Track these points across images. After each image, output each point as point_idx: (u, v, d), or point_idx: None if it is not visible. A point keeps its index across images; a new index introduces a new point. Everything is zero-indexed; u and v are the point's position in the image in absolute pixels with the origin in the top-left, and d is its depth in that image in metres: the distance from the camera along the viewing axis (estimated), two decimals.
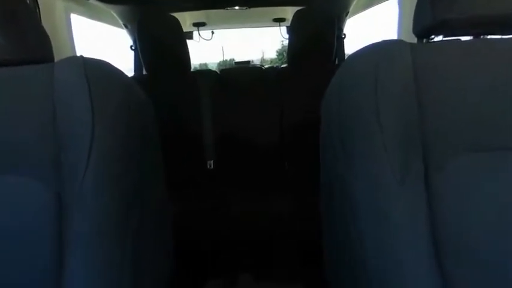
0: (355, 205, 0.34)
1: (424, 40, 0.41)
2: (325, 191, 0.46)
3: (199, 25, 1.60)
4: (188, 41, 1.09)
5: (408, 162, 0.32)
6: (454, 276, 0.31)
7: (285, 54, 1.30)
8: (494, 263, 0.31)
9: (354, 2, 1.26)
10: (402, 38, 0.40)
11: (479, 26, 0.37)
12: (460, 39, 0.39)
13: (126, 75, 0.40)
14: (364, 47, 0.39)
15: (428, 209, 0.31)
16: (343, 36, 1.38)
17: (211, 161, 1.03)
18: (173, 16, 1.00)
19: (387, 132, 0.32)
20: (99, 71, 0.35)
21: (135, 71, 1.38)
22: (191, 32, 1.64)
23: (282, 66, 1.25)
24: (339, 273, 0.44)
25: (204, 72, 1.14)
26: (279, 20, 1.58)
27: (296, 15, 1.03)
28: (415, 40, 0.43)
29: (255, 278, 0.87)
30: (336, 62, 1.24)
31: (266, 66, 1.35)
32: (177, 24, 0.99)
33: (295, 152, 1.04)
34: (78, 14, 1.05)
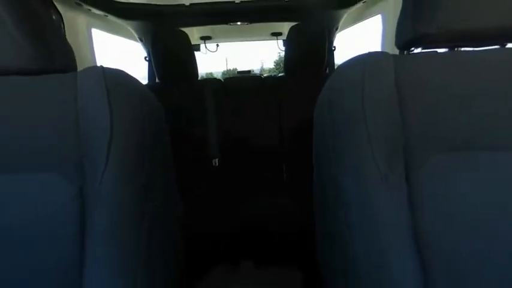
0: (346, 202, 0.34)
1: (405, 52, 0.41)
2: (318, 190, 0.46)
3: (205, 38, 1.60)
4: (196, 53, 1.09)
5: (392, 162, 0.32)
6: (432, 262, 0.31)
7: (281, 65, 1.30)
8: (466, 255, 0.31)
9: (343, 18, 1.25)
10: (386, 50, 0.40)
11: (454, 40, 0.36)
12: (436, 51, 0.39)
13: (141, 83, 0.40)
14: (352, 58, 0.38)
15: (409, 204, 0.31)
16: (333, 48, 1.38)
17: (216, 160, 1.03)
18: (182, 31, 1.00)
19: (373, 135, 0.32)
20: (117, 80, 0.35)
21: (148, 79, 1.38)
22: (198, 45, 1.64)
23: (279, 75, 1.25)
24: (331, 264, 0.43)
25: (210, 81, 1.14)
26: (276, 34, 1.58)
27: (291, 30, 1.03)
28: (397, 52, 0.42)
29: (256, 265, 0.87)
30: (327, 71, 1.24)
31: (265, 75, 1.34)
32: (186, 38, 0.99)
33: (292, 153, 1.03)
34: (98, 29, 1.05)
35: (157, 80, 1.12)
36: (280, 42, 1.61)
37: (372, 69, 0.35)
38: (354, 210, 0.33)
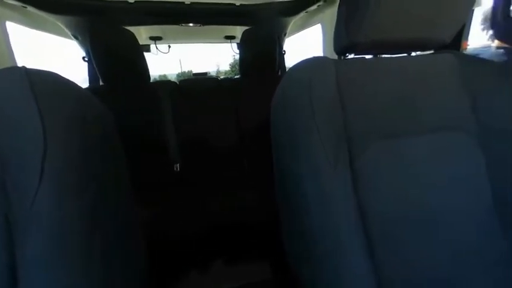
0: (302, 190, 0.36)
1: (342, 57, 0.46)
2: (279, 183, 0.47)
3: (155, 39, 1.48)
4: (146, 54, 0.99)
5: (338, 152, 0.35)
6: (375, 236, 0.36)
7: (237, 67, 1.29)
8: (401, 226, 0.37)
9: (290, 25, 1.34)
10: (326, 55, 0.44)
11: (377, 48, 0.43)
12: (364, 57, 0.46)
13: (79, 86, 0.34)
14: (300, 62, 0.41)
15: (354, 187, 0.35)
16: (284, 52, 1.46)
17: (177, 165, 0.97)
18: (127, 29, 0.89)
19: (321, 128, 0.35)
20: (46, 83, 0.29)
21: (90, 82, 1.20)
22: (148, 45, 1.50)
23: (235, 77, 1.25)
24: (295, 249, 0.45)
25: (164, 83, 1.06)
26: (229, 37, 1.58)
27: (244, 34, 1.04)
28: (335, 56, 0.47)
29: (226, 264, 0.86)
30: (279, 73, 1.31)
31: (221, 77, 1.32)
32: (131, 37, 0.89)
33: (253, 151, 1.04)
34: (15, 22, 0.86)
35: (101, 83, 0.98)
36: (234, 45, 1.61)
37: (317, 71, 0.38)
38: (310, 196, 0.35)
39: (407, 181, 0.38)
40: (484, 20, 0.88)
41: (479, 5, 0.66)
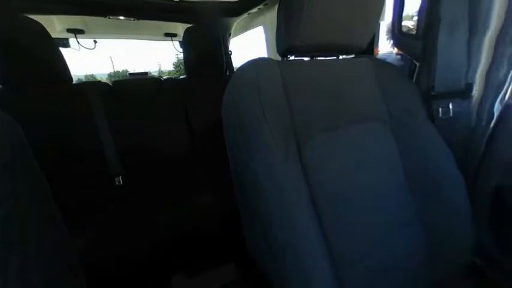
0: (260, 186, 0.38)
1: (284, 58, 0.50)
2: (237, 183, 0.48)
3: (75, 32, 1.23)
4: (65, 50, 0.82)
5: (288, 145, 0.38)
6: (326, 219, 0.40)
7: (182, 67, 1.21)
8: (345, 206, 0.42)
9: (234, 26, 1.35)
10: (270, 55, 0.47)
11: (311, 51, 0.48)
12: (303, 59, 0.50)
13: None
14: (247, 62, 0.43)
15: (304, 174, 0.39)
16: (230, 52, 1.46)
17: (119, 177, 0.84)
18: (31, 18, 0.72)
19: (271, 124, 0.37)
20: None
21: None
22: (66, 39, 1.24)
23: (181, 77, 1.17)
24: (258, 244, 0.46)
25: (93, 84, 0.90)
26: (170, 35, 1.46)
27: (187, 32, 0.99)
28: (278, 57, 0.51)
29: (189, 274, 0.80)
30: (227, 73, 1.30)
31: (165, 77, 1.21)
32: (37, 27, 0.72)
33: (206, 153, 1.01)
34: None
35: None
36: (177, 43, 1.51)
37: (264, 72, 0.40)
38: (266, 191, 0.37)
39: (345, 166, 0.44)
40: (387, 32, 1.11)
41: (383, 19, 0.83)
